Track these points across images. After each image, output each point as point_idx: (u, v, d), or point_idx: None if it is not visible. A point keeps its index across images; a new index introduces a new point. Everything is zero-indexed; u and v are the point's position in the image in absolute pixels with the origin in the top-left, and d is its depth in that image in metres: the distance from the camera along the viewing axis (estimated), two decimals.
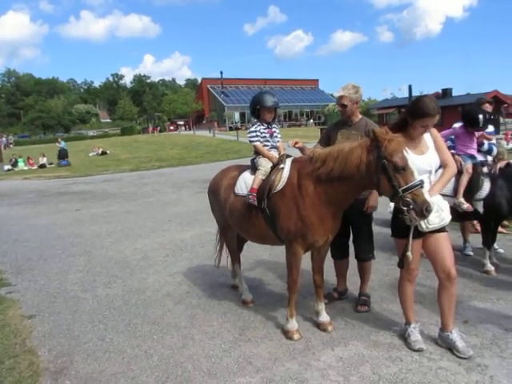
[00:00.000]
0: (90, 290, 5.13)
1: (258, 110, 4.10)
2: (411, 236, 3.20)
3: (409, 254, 3.21)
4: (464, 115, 5.23)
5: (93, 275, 5.65)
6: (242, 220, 4.05)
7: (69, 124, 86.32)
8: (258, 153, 4.06)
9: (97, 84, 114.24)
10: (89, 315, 4.42)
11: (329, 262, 4.28)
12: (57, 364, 3.52)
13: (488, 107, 5.56)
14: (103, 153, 30.77)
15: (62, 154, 25.87)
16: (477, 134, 5.27)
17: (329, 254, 4.14)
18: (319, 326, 3.86)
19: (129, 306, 4.61)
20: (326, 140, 4.21)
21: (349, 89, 3.98)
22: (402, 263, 3.32)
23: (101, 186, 15.58)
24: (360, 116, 4.15)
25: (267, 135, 4.11)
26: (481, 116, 5.02)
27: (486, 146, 5.43)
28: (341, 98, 4.00)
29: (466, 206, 4.85)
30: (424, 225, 3.17)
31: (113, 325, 4.18)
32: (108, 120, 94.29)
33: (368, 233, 4.23)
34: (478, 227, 5.97)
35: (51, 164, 25.78)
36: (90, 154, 30.92)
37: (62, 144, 27.62)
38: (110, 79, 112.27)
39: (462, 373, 3.08)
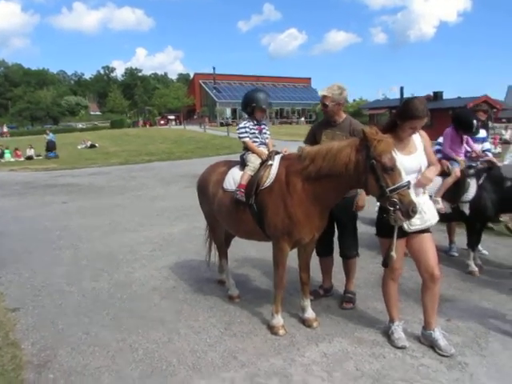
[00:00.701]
0: (75, 283, 5.09)
1: (252, 108, 4.09)
2: (395, 236, 3.24)
3: (393, 253, 3.25)
4: (456, 118, 5.19)
5: (79, 269, 5.61)
6: (229, 215, 4.06)
7: (58, 116, 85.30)
8: (247, 149, 4.07)
9: (87, 76, 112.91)
10: (74, 309, 4.40)
11: (315, 260, 4.31)
12: (40, 357, 3.50)
13: (482, 115, 5.58)
14: (92, 146, 30.44)
15: (50, 146, 25.54)
16: (465, 137, 5.28)
17: (314, 252, 4.17)
18: (304, 323, 3.89)
19: (114, 299, 4.60)
20: (312, 139, 4.22)
21: (333, 89, 3.96)
22: (386, 262, 3.36)
23: (89, 179, 15.46)
24: (344, 116, 4.13)
25: (256, 132, 4.12)
26: (475, 121, 5.04)
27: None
28: (323, 97, 3.99)
29: (439, 206, 4.89)
30: (406, 226, 3.22)
31: (98, 318, 4.16)
32: (98, 113, 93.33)
33: (353, 230, 4.27)
34: None
35: (39, 156, 25.44)
36: (79, 147, 30.58)
37: (51, 136, 27.28)
38: (101, 72, 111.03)
39: (443, 370, 3.14)
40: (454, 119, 5.22)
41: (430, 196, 3.71)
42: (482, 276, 4.95)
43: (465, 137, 5.24)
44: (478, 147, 5.44)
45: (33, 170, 19.62)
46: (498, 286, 4.66)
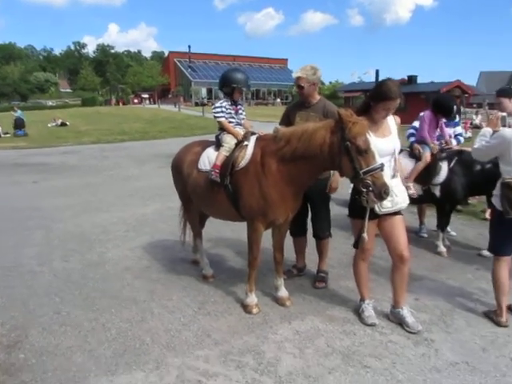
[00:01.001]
0: (46, 263, 5.01)
1: (231, 88, 4.03)
2: (367, 218, 3.29)
3: (364, 235, 3.31)
4: (436, 102, 5.24)
5: (50, 249, 5.52)
6: (204, 196, 4.05)
7: (26, 92, 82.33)
8: (222, 129, 4.03)
9: (57, 52, 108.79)
10: (45, 289, 4.33)
11: (289, 240, 4.36)
12: (10, 338, 3.45)
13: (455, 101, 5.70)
14: (63, 124, 29.54)
15: (19, 124, 24.59)
16: (440, 122, 5.37)
17: (288, 232, 4.21)
18: (278, 301, 3.95)
19: (87, 279, 4.55)
20: (286, 121, 4.22)
21: (307, 70, 3.96)
22: (357, 244, 3.42)
23: (60, 158, 15.07)
24: (318, 97, 4.14)
25: (232, 112, 4.08)
26: (455, 106, 5.19)
27: (454, 142, 5.60)
28: (298, 78, 3.99)
29: (411, 191, 5.02)
30: (377, 208, 3.28)
31: (70, 298, 4.12)
32: (68, 90, 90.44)
33: (326, 212, 4.33)
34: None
35: (6, 134, 24.45)
36: (49, 125, 29.61)
37: (19, 113, 26.28)
38: (72, 47, 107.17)
39: (410, 346, 3.26)
40: (433, 103, 5.28)
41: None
42: (450, 256, 5.12)
43: (440, 122, 5.34)
44: (449, 131, 5.55)
45: (0, 149, 18.95)
46: (465, 265, 4.83)
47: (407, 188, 4.93)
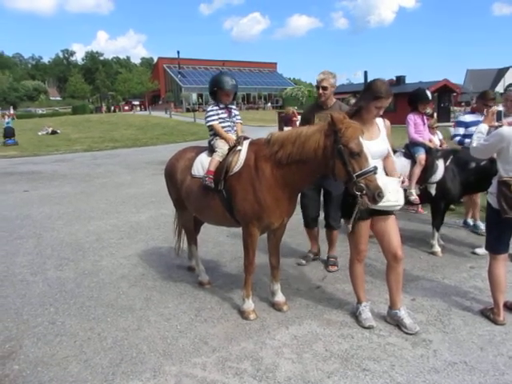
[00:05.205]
0: (39, 272, 4.96)
1: (215, 91, 4.04)
2: (355, 213, 3.28)
3: (349, 226, 3.37)
4: (412, 97, 5.39)
5: (43, 258, 5.46)
6: (198, 202, 4.03)
7: (15, 101, 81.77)
8: (215, 134, 4.02)
9: (46, 60, 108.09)
10: (39, 298, 4.28)
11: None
12: (4, 349, 3.39)
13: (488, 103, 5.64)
14: (53, 132, 29.42)
15: (8, 132, 24.48)
16: (425, 120, 5.45)
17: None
18: (275, 306, 3.93)
19: (81, 288, 4.51)
20: (305, 124, 4.26)
21: (328, 73, 4.45)
22: (353, 227, 3.41)
23: (51, 166, 14.98)
24: (334, 99, 4.58)
25: (225, 115, 4.06)
26: (428, 91, 5.36)
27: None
28: (323, 80, 4.43)
29: (413, 197, 5.07)
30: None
31: (64, 308, 4.07)
32: (58, 98, 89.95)
33: (339, 203, 4.38)
34: None
35: None
36: (39, 133, 29.47)
37: (9, 121, 26.13)
38: (60, 55, 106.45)
39: (408, 348, 3.25)
40: (409, 100, 5.42)
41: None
42: (444, 255, 5.13)
43: (425, 119, 5.43)
44: (429, 135, 5.57)
45: None
46: (460, 264, 4.85)
47: (410, 194, 5.00)
